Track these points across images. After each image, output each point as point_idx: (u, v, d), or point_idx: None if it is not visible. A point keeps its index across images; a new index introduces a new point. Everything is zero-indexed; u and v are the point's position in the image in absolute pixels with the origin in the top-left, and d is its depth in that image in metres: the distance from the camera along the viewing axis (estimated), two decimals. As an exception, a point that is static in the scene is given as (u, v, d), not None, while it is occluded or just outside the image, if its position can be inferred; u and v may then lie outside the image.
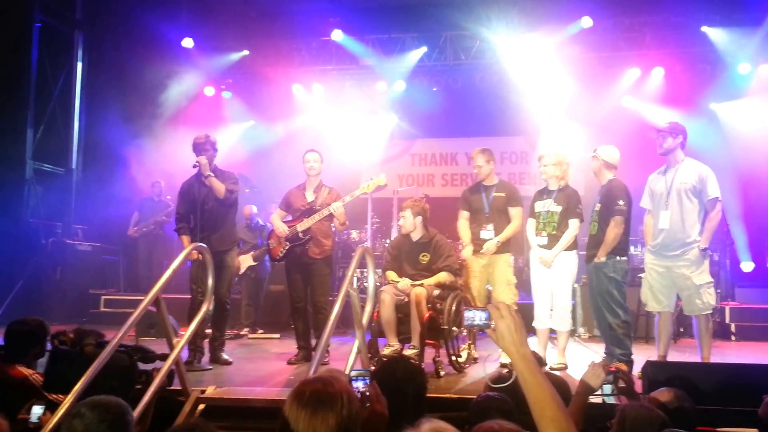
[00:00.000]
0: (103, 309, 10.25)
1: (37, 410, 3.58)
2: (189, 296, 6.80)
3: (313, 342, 6.67)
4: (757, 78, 10.75)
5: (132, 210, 11.38)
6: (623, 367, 5.42)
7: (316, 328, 6.78)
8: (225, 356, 6.75)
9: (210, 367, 6.52)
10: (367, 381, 2.79)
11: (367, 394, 2.76)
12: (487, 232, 6.66)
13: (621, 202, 6.03)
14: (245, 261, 9.29)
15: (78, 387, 3.69)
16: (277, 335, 9.01)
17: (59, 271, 10.70)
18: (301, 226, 6.81)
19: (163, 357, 4.55)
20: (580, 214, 6.41)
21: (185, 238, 6.67)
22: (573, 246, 6.41)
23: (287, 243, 6.87)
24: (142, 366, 4.39)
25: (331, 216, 6.79)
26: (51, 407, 3.77)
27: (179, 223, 6.82)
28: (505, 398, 3.26)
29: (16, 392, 4.18)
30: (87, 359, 3.96)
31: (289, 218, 7.03)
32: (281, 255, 6.94)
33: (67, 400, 3.62)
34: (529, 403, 2.06)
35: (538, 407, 2.04)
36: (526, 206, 6.80)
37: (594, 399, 3.77)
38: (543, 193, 6.58)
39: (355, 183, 9.81)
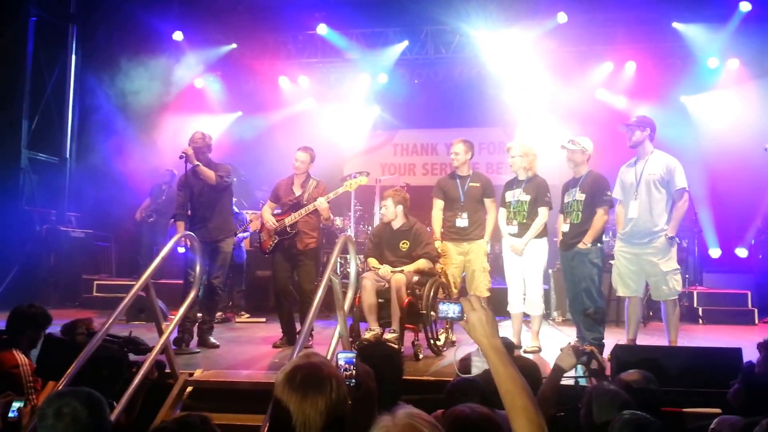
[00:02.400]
0: (95, 294, 10.40)
1: (16, 404, 3.64)
2: (180, 281, 7.01)
3: (299, 326, 6.80)
4: (726, 72, 10.98)
5: (132, 196, 11.52)
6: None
7: (303, 313, 6.81)
8: (212, 340, 6.92)
9: (198, 350, 6.67)
10: (353, 361, 2.86)
11: (353, 374, 2.83)
12: (461, 220, 6.90)
13: (609, 193, 6.26)
14: None
15: (67, 374, 3.77)
16: (263, 319, 9.16)
17: (53, 257, 10.88)
18: (288, 221, 6.96)
19: None
20: (549, 202, 6.61)
21: (180, 224, 6.85)
22: (543, 233, 6.61)
23: (276, 236, 7.02)
24: (133, 357, 4.46)
25: (318, 210, 6.90)
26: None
27: (177, 210, 7.01)
28: (479, 381, 3.33)
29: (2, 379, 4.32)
30: (79, 348, 4.03)
31: (279, 211, 7.18)
32: (271, 248, 7.07)
33: (57, 387, 3.71)
34: (500, 393, 2.10)
35: (509, 397, 2.08)
36: (498, 195, 7.02)
37: (566, 381, 3.95)
38: (513, 184, 6.77)
39: (339, 172, 10.09)
